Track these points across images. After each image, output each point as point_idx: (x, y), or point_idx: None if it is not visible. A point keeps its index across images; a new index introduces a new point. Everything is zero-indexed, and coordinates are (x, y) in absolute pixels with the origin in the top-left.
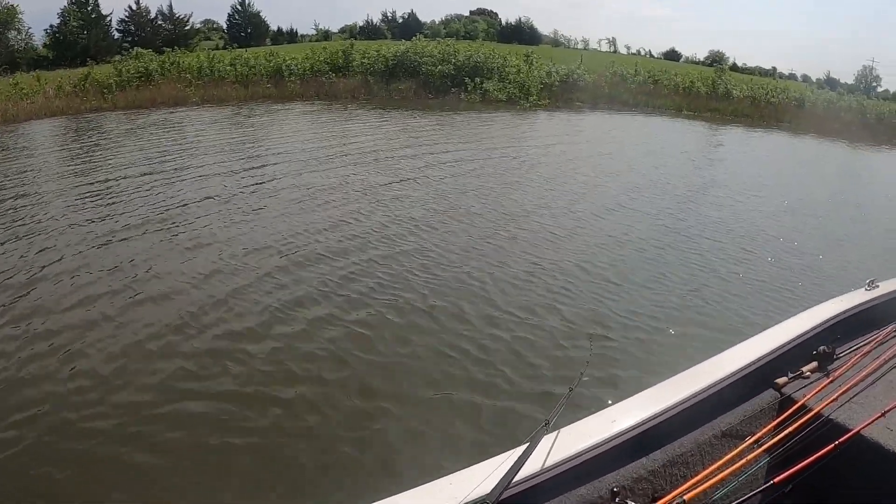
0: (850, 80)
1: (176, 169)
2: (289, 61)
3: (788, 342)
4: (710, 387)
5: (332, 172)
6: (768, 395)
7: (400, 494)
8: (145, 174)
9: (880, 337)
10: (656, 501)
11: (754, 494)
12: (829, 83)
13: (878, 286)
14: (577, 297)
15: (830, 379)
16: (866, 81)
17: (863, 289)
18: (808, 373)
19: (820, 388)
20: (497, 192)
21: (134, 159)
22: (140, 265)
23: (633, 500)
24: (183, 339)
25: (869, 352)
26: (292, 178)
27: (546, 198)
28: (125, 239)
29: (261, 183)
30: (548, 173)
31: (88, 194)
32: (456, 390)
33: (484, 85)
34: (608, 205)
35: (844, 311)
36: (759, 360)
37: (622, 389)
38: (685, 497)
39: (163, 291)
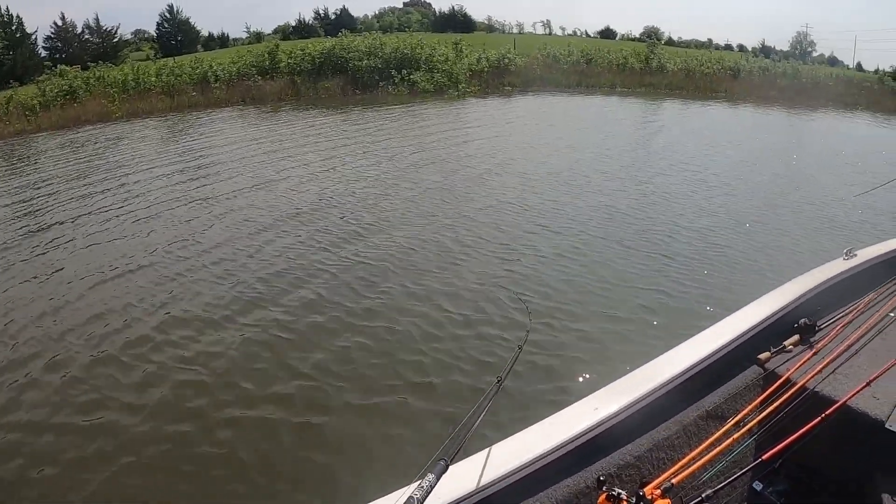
0: (786, 47)
1: (56, 194)
2: (215, 67)
3: (769, 317)
4: (691, 367)
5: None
6: (752, 372)
7: (382, 498)
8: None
9: (861, 306)
10: (644, 487)
11: (744, 473)
12: (764, 51)
13: (855, 255)
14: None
15: (814, 351)
16: (801, 47)
17: (841, 258)
18: (791, 346)
19: (803, 361)
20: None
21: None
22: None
23: (620, 488)
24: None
25: (850, 321)
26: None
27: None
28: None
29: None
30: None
31: None
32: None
33: (412, 76)
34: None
35: (824, 282)
36: (740, 336)
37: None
38: (673, 481)
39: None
